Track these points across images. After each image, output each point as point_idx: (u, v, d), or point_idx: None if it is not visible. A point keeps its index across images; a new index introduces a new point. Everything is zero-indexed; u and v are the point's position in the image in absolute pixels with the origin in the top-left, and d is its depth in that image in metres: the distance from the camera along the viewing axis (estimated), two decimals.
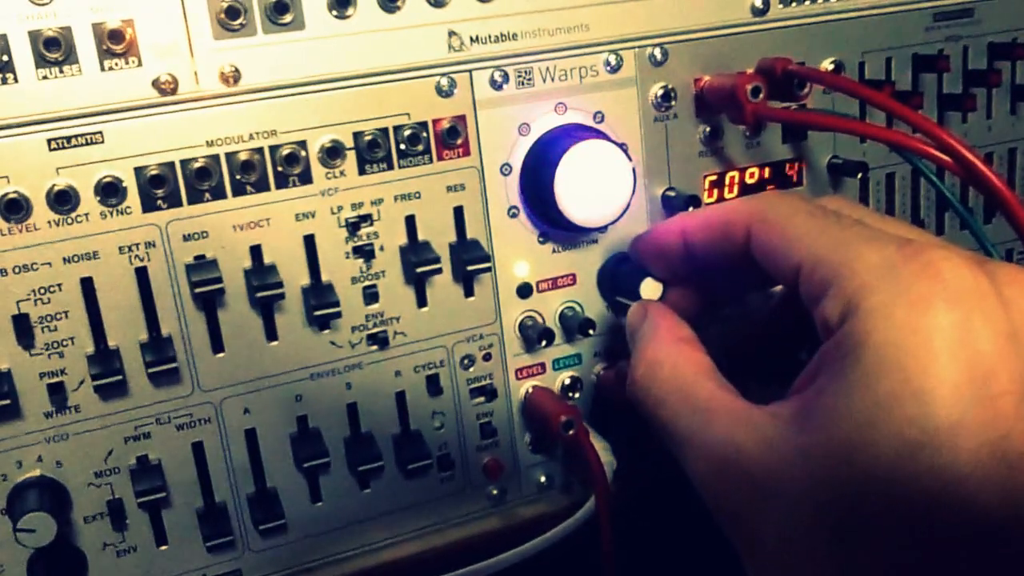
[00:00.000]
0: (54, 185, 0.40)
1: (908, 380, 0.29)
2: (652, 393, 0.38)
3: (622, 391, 0.50)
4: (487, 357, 0.49)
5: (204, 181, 0.42)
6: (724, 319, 0.45)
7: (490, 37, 0.45)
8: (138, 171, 0.41)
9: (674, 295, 0.45)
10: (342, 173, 0.44)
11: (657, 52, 0.49)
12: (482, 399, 0.50)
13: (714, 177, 0.52)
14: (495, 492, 0.51)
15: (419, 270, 0.45)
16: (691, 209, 0.48)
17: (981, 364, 0.29)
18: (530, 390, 0.50)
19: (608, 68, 0.48)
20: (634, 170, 0.46)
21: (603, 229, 0.49)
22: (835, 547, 0.31)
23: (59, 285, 0.41)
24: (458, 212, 0.47)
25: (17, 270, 0.40)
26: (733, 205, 0.39)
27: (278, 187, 0.43)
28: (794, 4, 0.51)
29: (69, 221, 0.40)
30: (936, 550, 0.30)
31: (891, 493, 0.30)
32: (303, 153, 0.43)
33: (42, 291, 0.41)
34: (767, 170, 0.53)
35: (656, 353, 0.39)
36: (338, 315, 0.44)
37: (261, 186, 0.43)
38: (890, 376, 0.30)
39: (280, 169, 0.43)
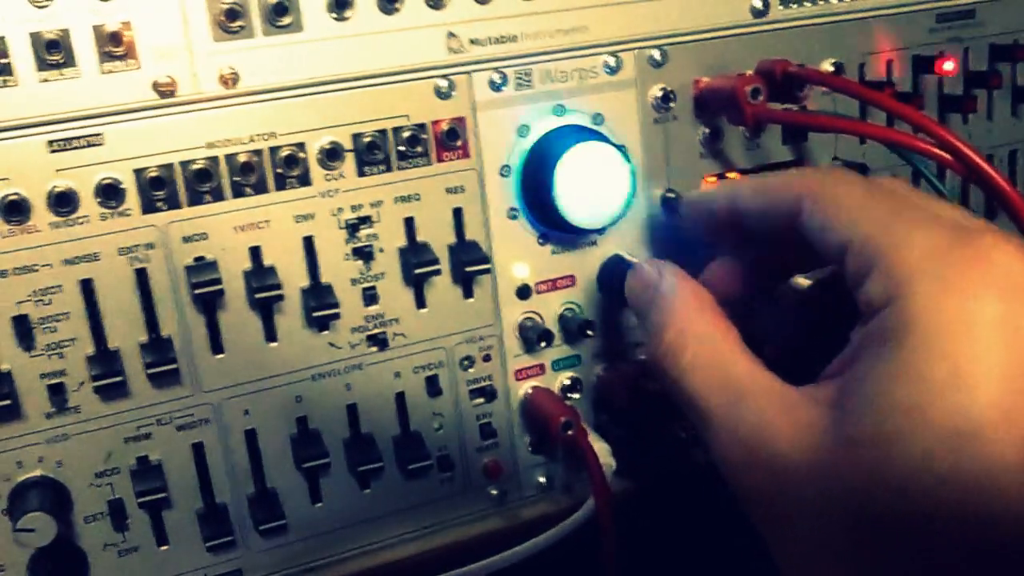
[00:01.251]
0: (54, 187, 0.40)
1: (956, 368, 0.29)
2: (682, 362, 0.37)
3: (623, 392, 0.50)
4: (487, 358, 0.49)
5: (204, 183, 0.42)
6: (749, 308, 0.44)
7: (489, 39, 0.45)
8: (138, 173, 0.41)
9: (712, 271, 0.43)
10: (341, 175, 0.44)
11: (656, 54, 0.49)
12: (482, 400, 0.50)
13: (714, 179, 0.52)
14: (495, 493, 0.51)
15: (418, 271, 0.45)
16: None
17: None
18: (530, 391, 0.50)
19: (607, 70, 0.48)
20: (633, 172, 0.46)
21: (602, 231, 0.49)
22: (876, 538, 0.30)
23: (59, 286, 0.41)
24: (457, 214, 0.47)
25: (17, 271, 0.40)
26: (789, 175, 0.38)
27: (277, 189, 0.43)
28: (794, 5, 0.51)
29: (69, 223, 0.41)
30: (980, 542, 0.29)
31: (936, 484, 0.29)
32: (302, 155, 0.43)
33: (42, 292, 0.41)
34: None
35: (685, 319, 0.38)
36: (337, 316, 0.45)
37: (260, 188, 0.43)
38: (937, 363, 0.29)
39: (279, 171, 0.43)
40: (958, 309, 0.29)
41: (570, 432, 0.47)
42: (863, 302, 0.32)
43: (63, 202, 0.40)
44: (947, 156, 0.41)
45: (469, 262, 0.46)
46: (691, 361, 0.37)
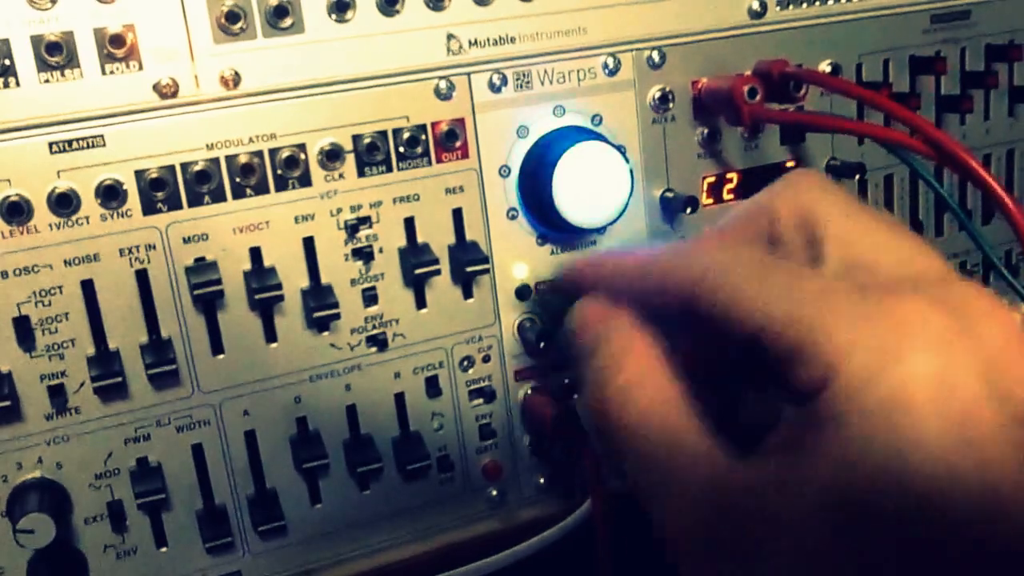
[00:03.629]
0: (55, 188, 0.40)
1: (897, 441, 0.30)
2: (629, 413, 0.35)
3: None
4: (486, 359, 0.49)
5: (204, 184, 0.42)
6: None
7: (488, 40, 0.46)
8: (138, 174, 0.41)
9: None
10: (341, 176, 0.44)
11: (655, 55, 0.49)
12: (481, 401, 0.50)
13: (712, 179, 0.52)
14: (494, 494, 0.51)
15: (418, 272, 0.45)
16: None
17: (964, 409, 0.30)
18: (529, 392, 0.50)
19: (606, 71, 0.48)
20: (632, 172, 0.46)
21: (602, 230, 0.49)
22: None
23: (60, 288, 0.41)
24: (457, 214, 0.47)
25: (18, 272, 0.40)
26: (673, 263, 0.36)
27: (277, 190, 0.43)
28: (791, 7, 0.51)
29: (70, 224, 0.41)
30: None
31: (886, 545, 0.30)
32: (302, 156, 0.43)
33: (43, 293, 0.41)
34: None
35: (640, 366, 0.36)
36: (337, 317, 0.45)
37: (261, 189, 0.43)
38: (878, 439, 0.30)
39: (279, 172, 0.43)
40: (891, 382, 0.30)
41: (567, 430, 0.47)
42: (794, 386, 0.32)
43: (64, 203, 0.40)
44: (937, 155, 0.41)
45: (469, 262, 0.46)
46: (640, 414, 0.35)
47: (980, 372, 0.30)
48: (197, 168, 0.42)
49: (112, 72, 0.40)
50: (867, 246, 0.35)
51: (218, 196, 0.43)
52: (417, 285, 0.47)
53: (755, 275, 0.33)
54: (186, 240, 0.42)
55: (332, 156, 0.44)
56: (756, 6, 0.50)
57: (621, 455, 0.36)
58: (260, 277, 0.43)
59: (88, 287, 0.41)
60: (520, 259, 0.49)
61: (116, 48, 0.39)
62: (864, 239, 0.35)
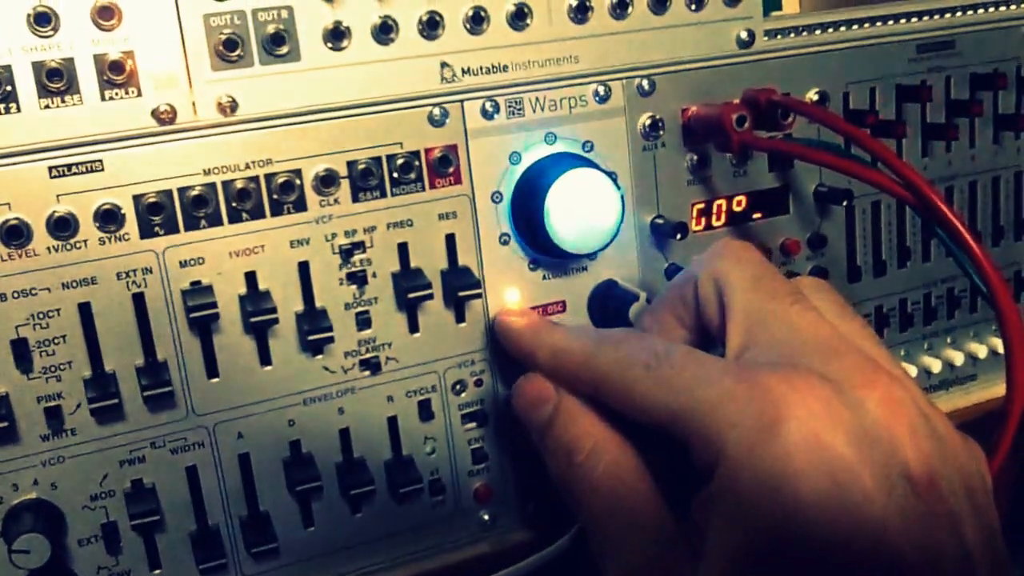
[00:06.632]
0: (54, 212, 0.41)
1: (785, 514, 0.31)
2: (582, 492, 0.39)
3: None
4: (478, 383, 0.50)
5: (201, 208, 0.43)
6: None
7: (481, 68, 0.46)
8: (136, 198, 0.42)
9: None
10: (336, 201, 0.45)
11: (645, 83, 0.50)
12: (473, 424, 0.50)
13: (702, 205, 0.52)
14: (486, 517, 0.51)
15: (411, 296, 0.46)
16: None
17: (839, 476, 0.31)
18: None
19: (597, 99, 0.49)
20: (623, 198, 0.47)
21: (593, 256, 0.50)
22: None
23: (57, 310, 0.41)
24: (450, 239, 0.47)
25: (16, 295, 0.41)
26: (575, 364, 0.41)
27: (273, 214, 0.44)
28: (779, 36, 0.52)
29: (68, 247, 0.41)
30: None
31: None
32: (298, 181, 0.44)
33: (40, 316, 0.41)
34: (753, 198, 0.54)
35: (598, 438, 0.40)
36: (331, 340, 0.45)
37: (256, 213, 0.44)
38: (765, 514, 0.31)
39: (275, 197, 0.44)
40: (768, 455, 0.32)
41: None
42: (697, 467, 0.35)
43: (63, 227, 0.41)
44: (915, 200, 0.43)
45: (461, 287, 0.47)
46: (594, 488, 0.39)
47: (854, 440, 0.32)
48: (194, 193, 0.42)
49: (111, 98, 0.40)
50: (766, 316, 0.37)
51: (214, 220, 0.43)
52: (410, 309, 0.47)
53: (646, 374, 0.37)
54: (182, 264, 0.43)
55: (327, 182, 0.44)
56: (744, 35, 0.51)
57: (580, 515, 0.40)
58: (255, 301, 0.44)
59: (85, 310, 0.42)
60: (512, 284, 0.49)
61: (115, 74, 0.40)
62: (763, 309, 0.37)
